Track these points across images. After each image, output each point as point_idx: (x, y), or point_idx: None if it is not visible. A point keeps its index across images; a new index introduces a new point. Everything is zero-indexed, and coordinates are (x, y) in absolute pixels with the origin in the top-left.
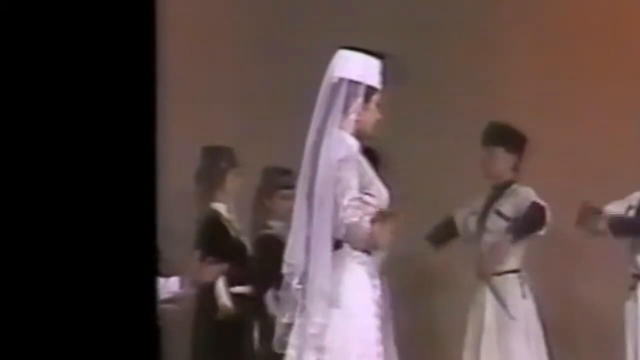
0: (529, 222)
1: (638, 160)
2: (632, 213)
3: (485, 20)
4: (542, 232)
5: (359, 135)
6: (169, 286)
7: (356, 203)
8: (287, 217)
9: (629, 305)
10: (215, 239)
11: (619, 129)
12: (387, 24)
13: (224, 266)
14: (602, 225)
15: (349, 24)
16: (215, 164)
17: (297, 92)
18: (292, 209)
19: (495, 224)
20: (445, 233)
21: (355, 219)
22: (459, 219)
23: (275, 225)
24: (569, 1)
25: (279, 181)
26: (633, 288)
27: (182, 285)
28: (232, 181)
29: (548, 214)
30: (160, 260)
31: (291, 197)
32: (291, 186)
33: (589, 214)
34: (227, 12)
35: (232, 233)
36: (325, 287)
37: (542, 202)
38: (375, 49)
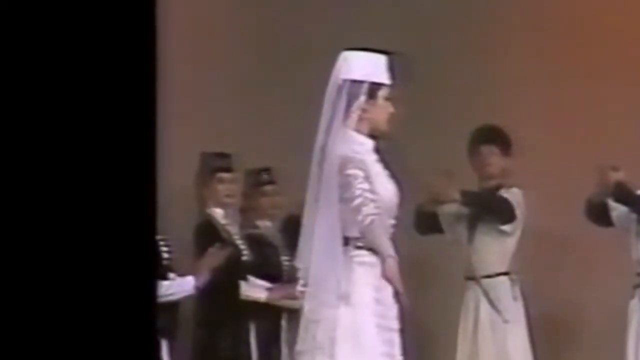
0: (488, 204)
1: (634, 162)
2: None
3: (484, 21)
4: (505, 228)
5: (373, 133)
6: (184, 285)
7: (369, 195)
8: (273, 216)
9: (632, 303)
10: (207, 243)
11: (614, 131)
12: (386, 24)
13: (229, 250)
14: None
15: (349, 25)
16: (210, 170)
17: (298, 93)
18: (278, 205)
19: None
20: (428, 225)
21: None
22: (443, 218)
23: (262, 225)
24: (568, 4)
25: (257, 179)
26: (638, 286)
27: (198, 283)
28: (228, 187)
29: (516, 213)
30: (172, 260)
31: (273, 194)
32: (271, 182)
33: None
34: (227, 14)
35: (225, 237)
36: (335, 286)
37: (512, 202)
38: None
